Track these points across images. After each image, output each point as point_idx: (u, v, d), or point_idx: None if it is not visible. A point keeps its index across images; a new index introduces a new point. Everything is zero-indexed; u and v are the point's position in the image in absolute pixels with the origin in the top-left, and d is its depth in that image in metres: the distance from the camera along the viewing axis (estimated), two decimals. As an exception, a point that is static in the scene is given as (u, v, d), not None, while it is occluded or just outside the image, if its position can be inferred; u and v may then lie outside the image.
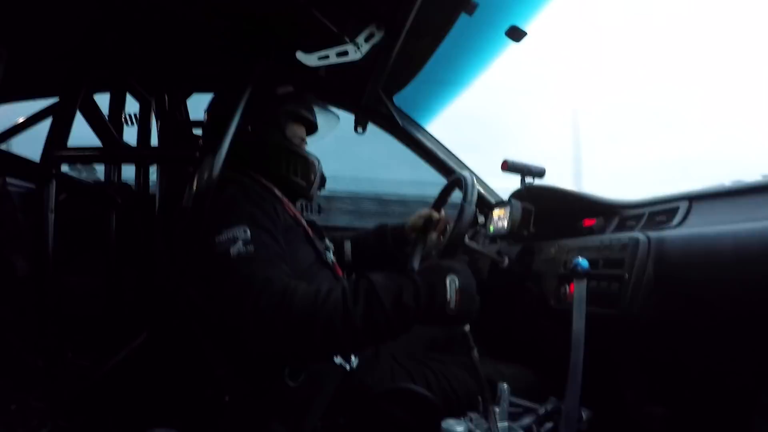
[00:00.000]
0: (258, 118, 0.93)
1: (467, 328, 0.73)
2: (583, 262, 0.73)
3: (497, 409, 0.71)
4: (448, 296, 0.68)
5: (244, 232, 0.72)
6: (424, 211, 1.09)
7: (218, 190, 0.81)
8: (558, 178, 1.13)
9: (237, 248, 0.71)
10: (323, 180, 1.02)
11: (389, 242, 1.14)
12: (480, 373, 0.73)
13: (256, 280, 0.69)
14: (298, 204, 1.03)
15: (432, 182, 1.51)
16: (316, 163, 0.98)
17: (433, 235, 1.06)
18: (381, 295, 0.67)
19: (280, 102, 0.96)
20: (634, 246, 0.77)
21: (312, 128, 1.04)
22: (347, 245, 1.17)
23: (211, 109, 1.00)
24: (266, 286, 0.68)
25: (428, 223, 1.05)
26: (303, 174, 0.96)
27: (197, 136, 1.31)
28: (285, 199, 0.93)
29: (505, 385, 0.72)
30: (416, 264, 0.97)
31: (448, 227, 1.04)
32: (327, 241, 1.02)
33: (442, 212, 1.06)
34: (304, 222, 0.94)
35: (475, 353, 0.73)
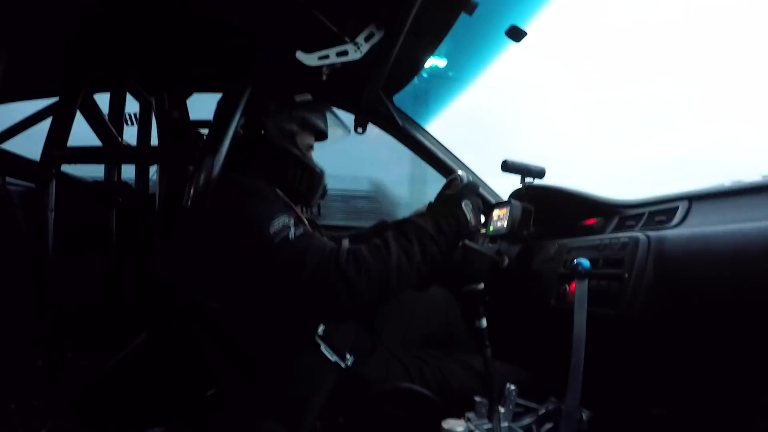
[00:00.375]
0: (272, 122, 0.94)
1: (484, 325, 0.76)
2: (584, 261, 0.73)
3: (502, 410, 0.72)
4: (468, 217, 0.85)
5: (288, 218, 0.78)
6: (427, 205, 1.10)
7: (241, 194, 0.81)
8: (558, 177, 1.13)
9: (293, 232, 0.76)
10: (325, 191, 1.02)
11: None
12: (491, 371, 0.74)
13: (322, 247, 0.77)
14: (298, 206, 1.03)
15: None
16: (323, 174, 0.98)
17: None
18: (428, 229, 0.80)
19: (295, 109, 0.96)
20: (633, 245, 0.77)
21: (322, 137, 1.05)
22: (345, 243, 1.18)
23: (217, 109, 1.00)
24: (330, 250, 0.76)
25: None
26: (308, 184, 0.96)
27: (197, 136, 1.31)
28: (291, 204, 0.93)
29: (513, 387, 0.73)
30: None
31: None
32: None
33: None
34: (305, 222, 0.94)
35: (489, 352, 0.74)
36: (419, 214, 0.86)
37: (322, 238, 0.81)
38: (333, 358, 0.83)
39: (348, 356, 0.85)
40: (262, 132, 0.93)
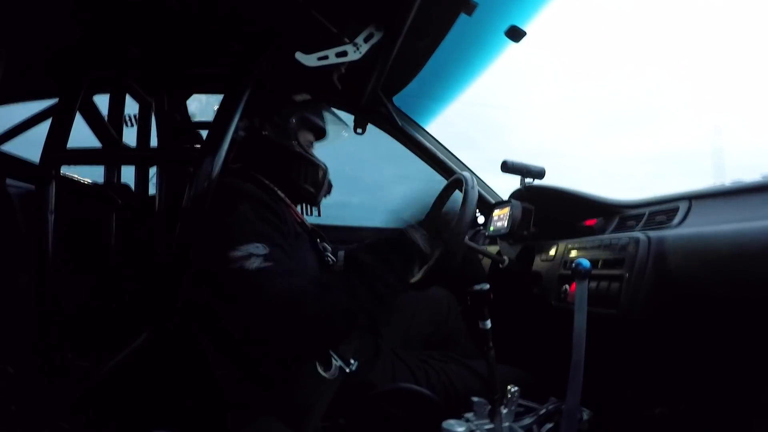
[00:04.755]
0: (272, 122, 0.94)
1: (488, 326, 0.75)
2: (584, 262, 0.73)
3: (505, 411, 0.72)
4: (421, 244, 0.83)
5: (263, 248, 0.74)
6: None
7: (230, 204, 0.80)
8: (557, 177, 1.13)
9: (256, 263, 0.73)
10: (330, 187, 1.02)
11: None
12: (494, 372, 0.73)
13: (277, 293, 0.72)
14: (298, 207, 1.03)
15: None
16: (326, 169, 0.98)
17: None
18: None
19: (296, 109, 0.96)
20: (634, 246, 0.77)
21: (321, 135, 1.05)
22: (340, 255, 1.18)
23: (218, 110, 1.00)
24: (288, 297, 0.73)
25: None
26: (312, 180, 0.96)
27: (197, 137, 1.31)
28: (292, 206, 0.93)
29: (516, 388, 0.73)
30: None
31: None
32: (326, 243, 1.03)
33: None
34: (308, 227, 0.95)
35: (492, 353, 0.74)
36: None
37: (291, 279, 0.76)
38: (337, 362, 0.82)
39: (352, 361, 0.84)
40: (264, 132, 0.93)
